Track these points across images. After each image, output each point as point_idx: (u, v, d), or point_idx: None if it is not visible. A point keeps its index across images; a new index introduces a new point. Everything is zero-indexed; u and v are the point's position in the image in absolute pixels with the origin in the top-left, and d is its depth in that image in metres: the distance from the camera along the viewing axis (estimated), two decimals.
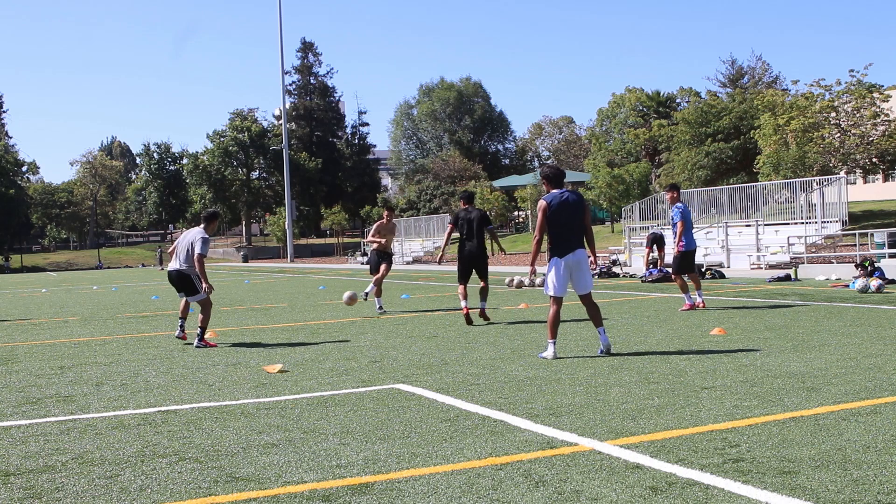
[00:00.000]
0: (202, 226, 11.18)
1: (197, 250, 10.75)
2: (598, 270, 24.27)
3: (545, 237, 8.92)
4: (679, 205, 13.84)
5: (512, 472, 4.62)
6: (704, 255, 27.23)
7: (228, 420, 6.24)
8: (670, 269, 22.26)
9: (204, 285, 10.84)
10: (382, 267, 15.11)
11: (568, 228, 8.75)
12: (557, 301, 8.78)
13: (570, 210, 8.76)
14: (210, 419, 6.30)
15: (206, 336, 10.95)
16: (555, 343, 8.66)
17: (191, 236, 11.00)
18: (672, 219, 13.88)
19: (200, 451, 5.33)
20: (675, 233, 13.82)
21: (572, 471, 4.61)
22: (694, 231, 14.08)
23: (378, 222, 15.52)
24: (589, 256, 8.92)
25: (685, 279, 13.59)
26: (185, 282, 10.95)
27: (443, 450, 5.15)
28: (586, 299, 8.90)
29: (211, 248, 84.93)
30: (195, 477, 4.76)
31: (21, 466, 5.12)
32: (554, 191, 8.88)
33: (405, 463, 4.89)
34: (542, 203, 8.83)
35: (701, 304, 13.43)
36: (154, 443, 5.61)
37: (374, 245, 15.45)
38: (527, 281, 21.00)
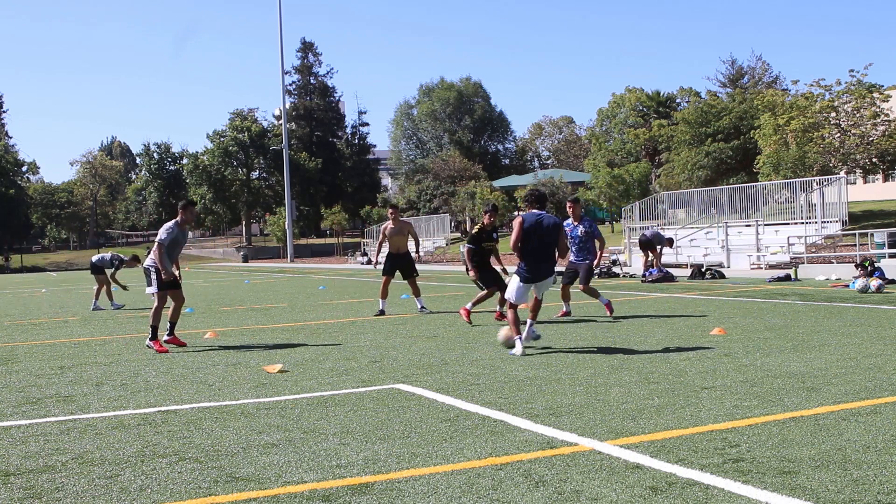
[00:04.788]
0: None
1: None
2: (598, 271, 24.26)
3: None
4: (587, 220, 13.03)
5: (512, 472, 4.62)
6: (704, 255, 27.27)
7: (228, 420, 6.24)
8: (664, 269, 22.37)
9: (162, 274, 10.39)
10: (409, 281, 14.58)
11: (540, 251, 9.15)
12: (516, 306, 9.34)
13: (545, 232, 9.14)
14: (210, 419, 6.30)
15: (175, 334, 10.64)
16: (521, 338, 9.03)
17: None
18: (591, 233, 12.79)
19: (200, 451, 5.33)
20: (578, 248, 12.79)
21: (572, 471, 4.61)
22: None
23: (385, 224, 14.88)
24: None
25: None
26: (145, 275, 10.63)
27: (443, 450, 5.15)
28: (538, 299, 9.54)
29: (211, 247, 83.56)
30: (195, 477, 4.76)
31: (21, 466, 5.12)
32: (533, 210, 9.28)
33: (405, 463, 4.89)
34: (518, 219, 9.23)
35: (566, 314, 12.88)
36: (154, 443, 5.61)
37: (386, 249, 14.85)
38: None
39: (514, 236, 9.19)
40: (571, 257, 12.92)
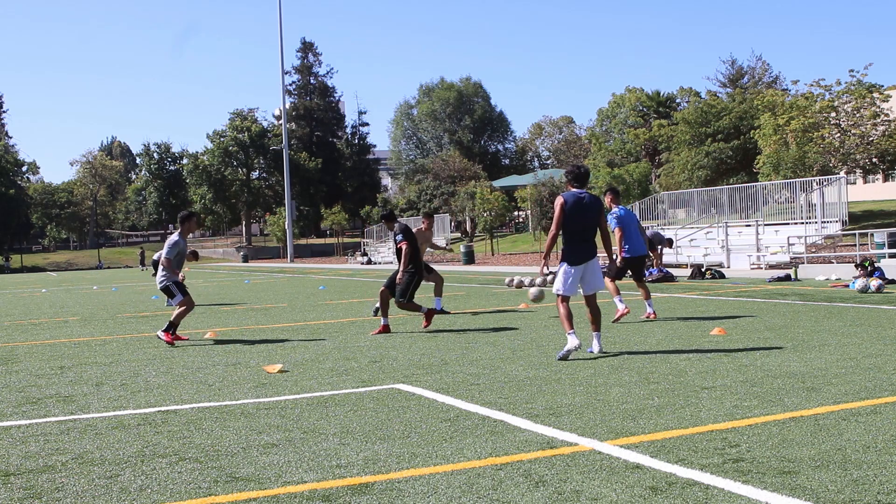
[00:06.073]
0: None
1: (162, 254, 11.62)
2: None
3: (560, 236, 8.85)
4: (617, 209, 12.52)
5: (512, 472, 4.62)
6: (704, 255, 27.27)
7: (228, 420, 6.24)
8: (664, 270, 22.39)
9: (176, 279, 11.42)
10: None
11: (581, 233, 8.74)
12: (566, 299, 8.73)
13: (586, 212, 8.73)
14: (210, 419, 6.30)
15: (176, 332, 11.30)
16: (574, 332, 8.51)
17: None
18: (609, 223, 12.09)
19: (200, 451, 5.33)
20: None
21: (572, 471, 4.61)
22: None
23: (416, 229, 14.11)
24: (614, 255, 9.66)
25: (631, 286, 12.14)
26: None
27: (443, 450, 5.15)
28: (592, 300, 8.91)
29: (211, 247, 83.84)
30: (195, 477, 4.76)
31: (21, 466, 5.12)
32: (573, 189, 8.84)
33: (405, 463, 4.89)
34: (559, 199, 8.75)
35: (652, 315, 12.16)
36: (154, 443, 5.61)
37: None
38: (538, 280, 20.81)
39: (555, 218, 8.69)
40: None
